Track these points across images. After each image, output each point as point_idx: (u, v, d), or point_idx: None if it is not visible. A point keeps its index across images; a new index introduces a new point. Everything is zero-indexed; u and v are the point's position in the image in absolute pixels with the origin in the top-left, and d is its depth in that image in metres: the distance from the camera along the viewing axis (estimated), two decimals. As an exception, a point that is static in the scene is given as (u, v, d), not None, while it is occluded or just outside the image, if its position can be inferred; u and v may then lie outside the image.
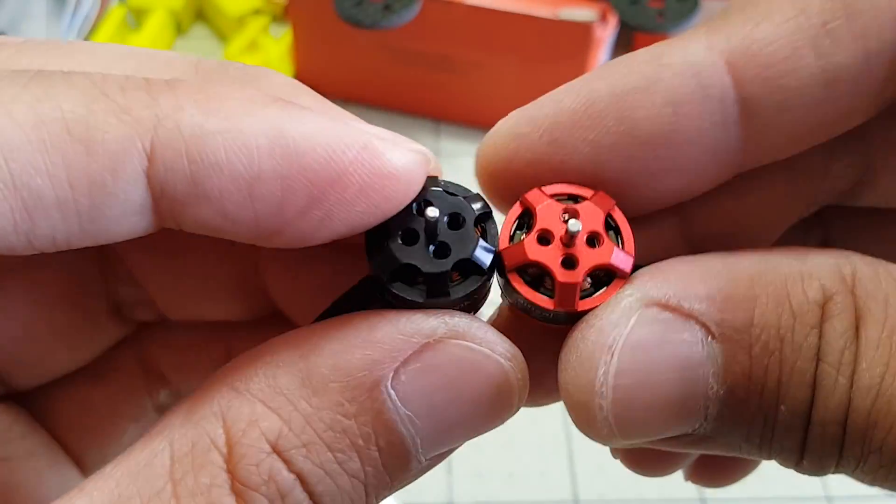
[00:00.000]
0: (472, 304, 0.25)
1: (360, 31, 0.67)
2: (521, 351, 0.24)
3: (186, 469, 0.20)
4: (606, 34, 0.74)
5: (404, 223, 0.23)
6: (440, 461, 0.24)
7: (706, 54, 0.24)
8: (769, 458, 0.23)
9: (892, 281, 0.22)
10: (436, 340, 0.22)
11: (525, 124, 0.25)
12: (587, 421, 0.23)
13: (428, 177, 0.24)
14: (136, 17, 0.88)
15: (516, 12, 0.73)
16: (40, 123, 0.19)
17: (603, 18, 0.73)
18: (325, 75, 0.83)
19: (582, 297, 0.24)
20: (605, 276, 0.24)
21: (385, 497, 0.23)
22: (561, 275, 0.24)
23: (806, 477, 0.23)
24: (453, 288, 0.24)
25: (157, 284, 0.30)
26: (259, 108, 0.21)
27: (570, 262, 0.24)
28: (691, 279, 0.23)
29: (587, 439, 0.24)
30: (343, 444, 0.21)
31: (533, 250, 0.24)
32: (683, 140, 0.24)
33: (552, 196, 0.25)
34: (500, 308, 0.29)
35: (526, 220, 0.25)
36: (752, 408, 0.22)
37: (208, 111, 0.20)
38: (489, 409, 0.23)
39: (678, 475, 0.38)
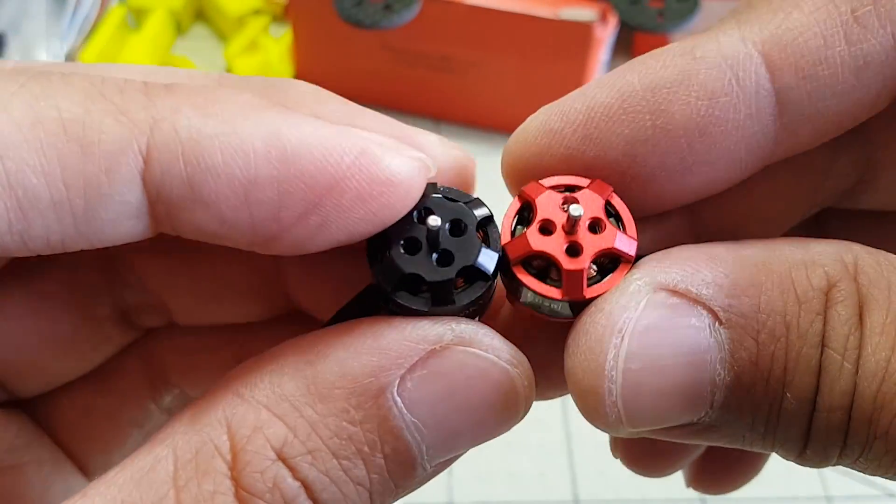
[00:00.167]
0: (477, 310, 0.25)
1: (360, 31, 0.66)
2: (526, 348, 0.24)
3: (190, 476, 0.20)
4: (606, 34, 0.74)
5: (406, 231, 0.23)
6: (446, 467, 0.24)
7: (740, 46, 0.23)
8: (772, 448, 0.23)
9: (893, 268, 0.22)
10: (442, 347, 0.22)
11: (557, 119, 0.25)
12: (595, 407, 0.23)
13: (428, 183, 0.23)
14: (136, 17, 0.88)
15: (516, 12, 0.73)
16: (37, 122, 0.19)
17: (603, 18, 0.73)
18: (325, 75, 0.83)
19: (588, 285, 0.24)
20: (609, 264, 0.24)
21: None
22: (566, 263, 0.24)
23: (806, 477, 0.23)
24: (458, 295, 0.24)
25: (170, 289, 0.30)
26: (256, 112, 0.21)
27: (574, 250, 0.24)
28: (698, 265, 0.23)
29: (587, 440, 0.24)
30: (348, 452, 0.21)
31: (536, 241, 0.24)
32: (719, 133, 0.24)
33: (550, 188, 0.25)
34: (503, 310, 0.29)
35: (525, 215, 0.25)
36: (758, 395, 0.22)
37: (206, 114, 0.20)
38: (495, 416, 0.23)
39: (678, 477, 0.38)
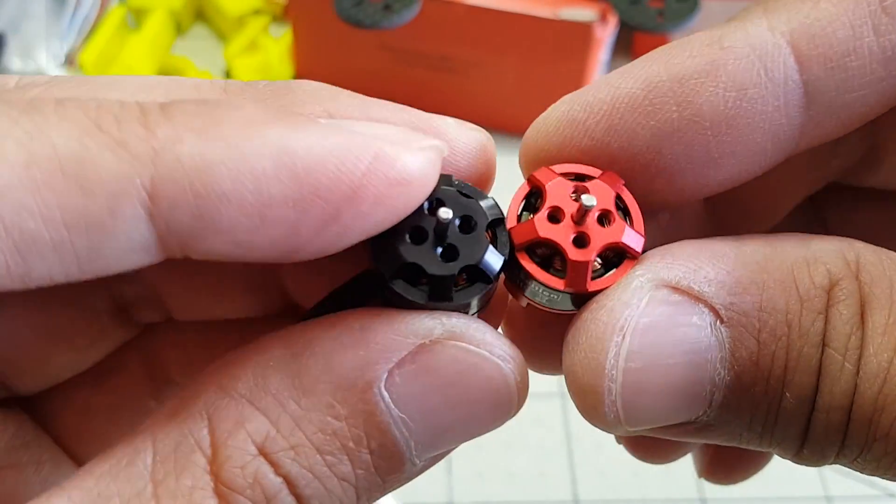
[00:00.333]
0: (474, 311, 0.24)
1: (360, 31, 0.66)
2: (524, 340, 0.23)
3: (168, 470, 0.20)
4: (606, 34, 0.74)
5: (414, 220, 0.23)
6: (436, 463, 0.23)
7: (769, 36, 0.23)
8: (768, 447, 0.23)
9: (895, 266, 0.22)
10: (432, 341, 0.22)
11: (581, 109, 0.24)
12: (594, 406, 0.22)
13: (442, 175, 0.23)
14: (136, 17, 0.88)
15: (516, 12, 0.73)
16: (31, 162, 0.18)
17: (603, 18, 0.73)
18: (324, 75, 0.83)
19: (592, 278, 0.23)
20: (614, 258, 0.24)
21: (378, 499, 0.22)
22: (573, 253, 0.23)
23: (806, 477, 0.23)
24: (457, 293, 0.23)
25: (169, 285, 0.29)
26: (261, 127, 0.20)
27: (581, 241, 0.23)
28: (701, 262, 0.22)
29: (587, 440, 0.24)
30: (333, 447, 0.21)
31: (544, 228, 0.23)
32: (746, 125, 0.23)
33: (561, 175, 0.24)
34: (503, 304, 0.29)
35: (532, 202, 0.24)
36: (757, 395, 0.22)
37: (208, 138, 0.19)
38: (486, 413, 0.23)
39: (679, 476, 0.38)
